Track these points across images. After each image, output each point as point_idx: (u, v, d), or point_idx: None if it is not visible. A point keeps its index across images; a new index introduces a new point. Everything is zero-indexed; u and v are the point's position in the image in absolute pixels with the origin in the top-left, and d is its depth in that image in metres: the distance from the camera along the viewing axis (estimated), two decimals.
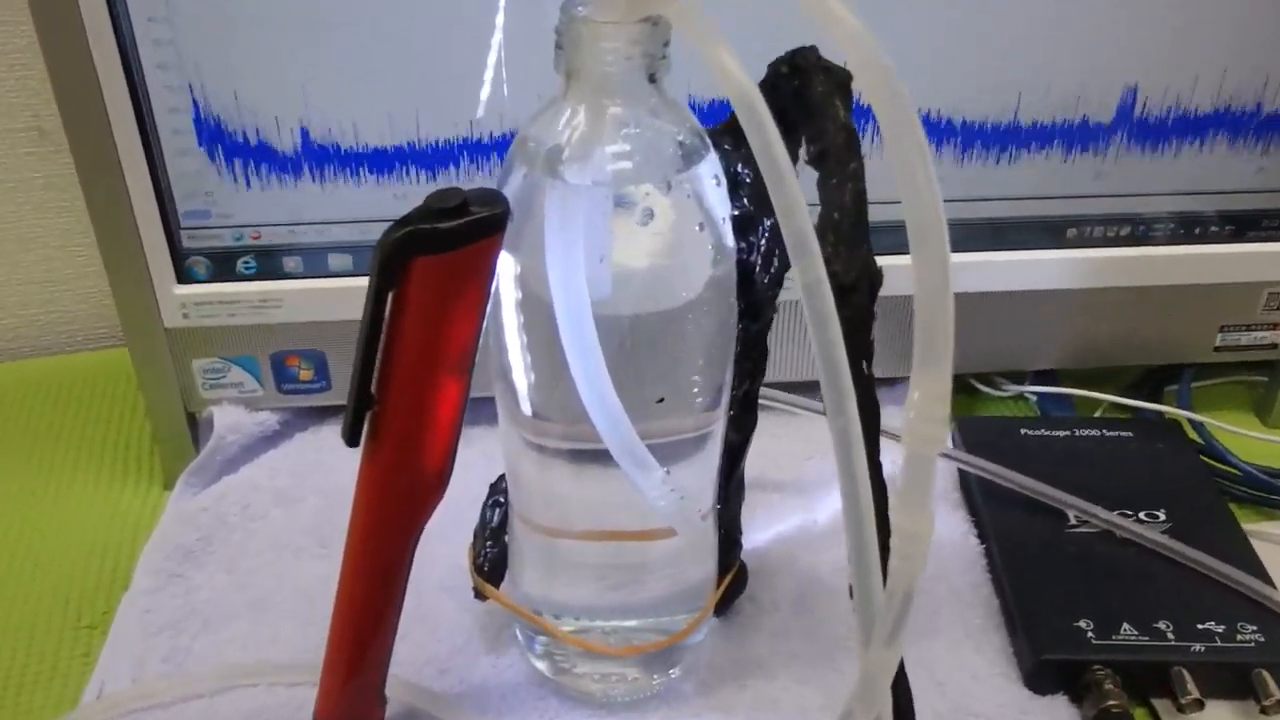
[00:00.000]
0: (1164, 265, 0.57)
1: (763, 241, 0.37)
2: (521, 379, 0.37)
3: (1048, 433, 0.56)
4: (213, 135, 0.50)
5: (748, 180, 0.36)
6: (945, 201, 0.25)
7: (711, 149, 0.35)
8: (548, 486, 0.39)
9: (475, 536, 0.45)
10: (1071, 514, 0.51)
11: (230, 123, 0.50)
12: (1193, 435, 0.58)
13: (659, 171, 0.34)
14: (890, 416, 0.57)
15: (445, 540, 0.41)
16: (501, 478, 0.45)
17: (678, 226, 0.34)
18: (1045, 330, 0.60)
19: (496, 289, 0.35)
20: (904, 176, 0.25)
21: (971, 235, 0.56)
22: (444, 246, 0.32)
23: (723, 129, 0.36)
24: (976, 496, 0.53)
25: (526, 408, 0.37)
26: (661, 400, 0.36)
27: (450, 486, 0.36)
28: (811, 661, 0.46)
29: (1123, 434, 0.56)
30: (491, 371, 0.38)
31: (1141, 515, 0.51)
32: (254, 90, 0.49)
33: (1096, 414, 0.61)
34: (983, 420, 0.59)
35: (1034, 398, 0.62)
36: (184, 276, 0.53)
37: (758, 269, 0.37)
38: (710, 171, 0.35)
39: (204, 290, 0.53)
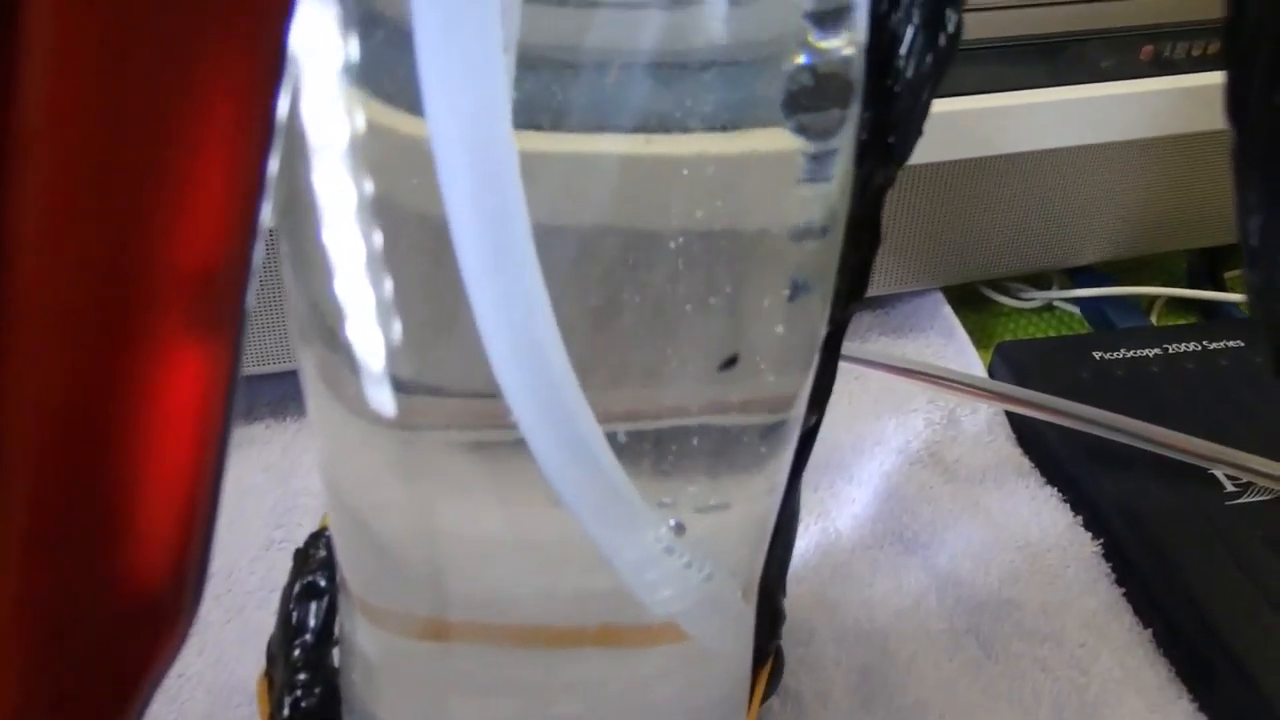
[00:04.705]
0: None
1: None
2: (374, 317, 0.15)
3: (1131, 353, 0.38)
4: None
5: None
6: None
7: None
8: (432, 532, 0.17)
9: (273, 660, 0.22)
10: (1220, 474, 0.33)
11: None
12: None
13: None
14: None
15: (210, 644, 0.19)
16: (319, 537, 0.22)
17: None
18: (1089, 208, 0.41)
19: (297, 107, 0.12)
20: None
21: (1006, 64, 0.37)
22: None
23: None
24: (1065, 462, 0.34)
25: (382, 381, 0.15)
26: (732, 363, 0.15)
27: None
28: None
29: (1229, 344, 0.39)
30: (291, 309, 0.16)
31: None
32: None
33: (1152, 319, 0.43)
34: (1034, 344, 0.40)
35: (1074, 307, 0.43)
36: None
37: (910, 37, 0.16)
38: None
39: None
